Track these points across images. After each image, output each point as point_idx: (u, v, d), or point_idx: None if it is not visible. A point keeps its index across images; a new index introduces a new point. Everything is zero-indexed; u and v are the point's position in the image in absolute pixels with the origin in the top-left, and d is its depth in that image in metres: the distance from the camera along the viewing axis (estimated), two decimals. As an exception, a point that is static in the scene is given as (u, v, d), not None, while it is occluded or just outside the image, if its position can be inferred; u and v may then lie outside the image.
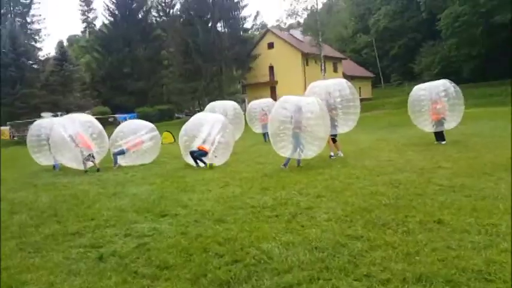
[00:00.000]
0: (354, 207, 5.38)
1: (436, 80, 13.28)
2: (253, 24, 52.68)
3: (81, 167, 10.98)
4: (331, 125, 9.99)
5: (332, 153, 10.57)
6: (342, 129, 10.94)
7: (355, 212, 5.14)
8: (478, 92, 35.08)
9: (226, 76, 43.12)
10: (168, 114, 43.97)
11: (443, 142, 11.58)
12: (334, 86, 11.08)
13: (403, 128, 18.28)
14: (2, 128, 35.07)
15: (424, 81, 13.20)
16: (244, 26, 46.57)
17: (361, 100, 47.72)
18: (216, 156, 10.68)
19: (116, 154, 11.82)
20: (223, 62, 42.39)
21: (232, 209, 5.77)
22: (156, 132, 12.86)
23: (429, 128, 12.21)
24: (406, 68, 54.90)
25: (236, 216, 5.34)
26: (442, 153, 9.90)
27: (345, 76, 50.24)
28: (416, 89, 12.71)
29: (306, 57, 44.09)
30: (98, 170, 10.96)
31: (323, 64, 40.73)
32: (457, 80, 12.49)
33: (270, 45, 46.37)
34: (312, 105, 9.24)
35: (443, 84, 12.16)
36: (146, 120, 14.48)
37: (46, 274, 3.82)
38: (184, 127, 11.36)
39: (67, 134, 11.02)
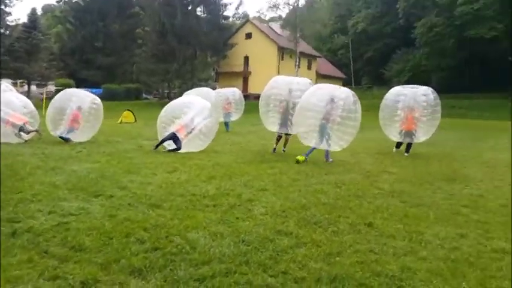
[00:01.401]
0: (294, 203, 5.41)
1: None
2: (234, 13, 52.31)
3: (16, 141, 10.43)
4: (287, 123, 10.18)
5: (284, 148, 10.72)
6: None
7: (293, 208, 5.17)
8: (443, 103, 36.29)
9: (200, 61, 42.53)
10: (136, 93, 42.96)
11: (406, 154, 10.80)
12: (298, 84, 10.58)
13: (365, 130, 18.61)
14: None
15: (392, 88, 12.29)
16: (225, 13, 46.08)
17: (331, 100, 47.49)
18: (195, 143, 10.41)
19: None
20: (199, 47, 41.71)
21: (171, 195, 5.66)
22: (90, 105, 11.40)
23: (397, 138, 11.26)
24: (378, 72, 55.87)
25: (173, 203, 5.24)
26: (391, 158, 10.16)
27: (318, 74, 50.79)
28: (395, 91, 11.50)
29: (282, 51, 44.13)
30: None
31: (298, 60, 40.92)
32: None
33: (248, 36, 46.05)
34: (346, 98, 9.06)
35: (425, 91, 11.13)
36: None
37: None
38: (166, 108, 10.72)
39: None
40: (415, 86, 11.66)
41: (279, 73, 43.95)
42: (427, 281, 3.19)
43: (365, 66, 60.74)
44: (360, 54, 60.23)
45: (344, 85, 60.20)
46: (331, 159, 9.31)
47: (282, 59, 44.70)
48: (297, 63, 41.02)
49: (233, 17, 51.67)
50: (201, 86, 28.23)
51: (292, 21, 40.94)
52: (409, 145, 11.01)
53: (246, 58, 45.93)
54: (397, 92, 11.51)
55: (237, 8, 60.35)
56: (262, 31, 45.46)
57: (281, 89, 10.51)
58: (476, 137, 17.20)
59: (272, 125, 10.67)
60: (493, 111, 33.66)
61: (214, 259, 3.50)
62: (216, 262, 3.44)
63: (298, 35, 40.59)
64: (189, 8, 41.90)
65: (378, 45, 57.10)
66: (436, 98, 11.04)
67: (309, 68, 49.00)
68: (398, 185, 6.77)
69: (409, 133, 10.89)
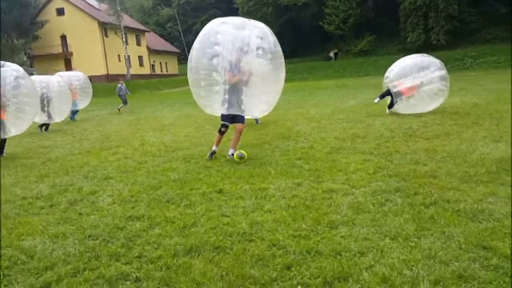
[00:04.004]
0: (143, 186, 5.24)
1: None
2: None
3: None
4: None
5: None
6: None
7: (142, 191, 5.00)
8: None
9: (5, 45, 36.27)
10: None
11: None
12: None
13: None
14: None
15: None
16: (24, -14, 39.90)
17: (168, 76, 47.97)
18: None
19: None
20: (-1, 28, 35.46)
21: (-5, 204, 4.83)
22: None
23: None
24: (210, 44, 57.07)
25: (-2, 213, 4.49)
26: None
27: (149, 50, 49.14)
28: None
29: (105, 27, 40.93)
30: None
31: (124, 36, 38.63)
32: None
33: (60, 12, 41.15)
34: None
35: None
36: None
37: None
38: None
39: None
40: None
41: (105, 51, 41.08)
42: (273, 230, 3.52)
43: (197, 39, 61.24)
44: (189, 27, 60.42)
45: (179, 60, 60.06)
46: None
47: (106, 36, 41.58)
48: (124, 40, 38.75)
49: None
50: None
51: (109, -7, 38.06)
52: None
53: (64, 37, 41.22)
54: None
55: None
56: (76, 6, 41.13)
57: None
58: (302, 97, 19.38)
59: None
60: (310, 73, 38.44)
61: (58, 262, 3.16)
62: (61, 265, 3.12)
63: (118, 8, 38.02)
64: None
65: (204, 16, 58.05)
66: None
67: (139, 43, 46.97)
68: (242, 150, 7.17)
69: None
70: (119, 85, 19.75)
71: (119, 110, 18.79)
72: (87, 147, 8.78)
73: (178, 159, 6.86)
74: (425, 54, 11.13)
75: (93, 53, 40.50)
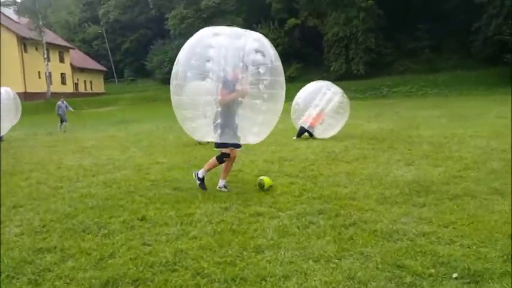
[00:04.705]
0: (56, 214, 4.82)
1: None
2: None
3: None
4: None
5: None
6: None
7: (56, 220, 4.60)
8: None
9: None
10: None
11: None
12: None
13: (134, 124, 18.47)
14: None
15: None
16: None
17: (93, 95, 45.98)
18: None
19: None
20: None
21: None
22: None
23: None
24: (139, 64, 55.64)
25: None
26: (162, 148, 10.42)
27: (73, 67, 46.78)
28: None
29: (24, 42, 38.26)
30: None
31: (46, 52, 36.41)
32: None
33: (-27, 23, 37.77)
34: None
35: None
36: None
37: None
38: None
39: None
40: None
41: (23, 67, 38.30)
42: (198, 258, 3.41)
43: (125, 58, 59.44)
44: (118, 45, 58.64)
45: (105, 79, 57.99)
46: None
47: (26, 52, 38.87)
48: (46, 56, 36.48)
49: None
50: None
51: (30, 7, 35.81)
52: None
53: (-24, 50, 37.73)
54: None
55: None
56: (-8, 17, 38.09)
57: None
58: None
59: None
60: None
61: None
62: (-48, 311, 2.72)
63: (41, 23, 35.89)
64: None
65: (133, 35, 56.83)
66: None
67: (62, 60, 44.55)
68: (170, 174, 6.97)
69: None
70: (59, 102, 19.04)
71: (60, 129, 18.08)
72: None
73: (98, 184, 6.47)
74: (314, 81, 12.61)
75: (10, 68, 37.45)
